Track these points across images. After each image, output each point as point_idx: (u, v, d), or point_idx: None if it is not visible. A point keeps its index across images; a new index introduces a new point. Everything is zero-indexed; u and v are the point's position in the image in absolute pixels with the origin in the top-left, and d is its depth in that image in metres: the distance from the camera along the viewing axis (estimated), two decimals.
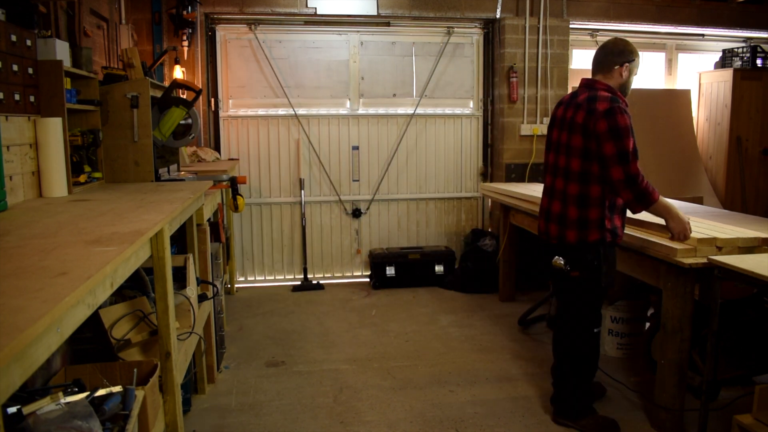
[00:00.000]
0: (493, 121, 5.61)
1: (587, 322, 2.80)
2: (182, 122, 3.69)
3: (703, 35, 6.18)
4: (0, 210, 2.26)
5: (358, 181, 5.58)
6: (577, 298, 2.80)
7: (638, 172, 2.52)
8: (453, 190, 5.76)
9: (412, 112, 5.55)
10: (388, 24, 5.40)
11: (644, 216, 3.05)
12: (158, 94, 3.65)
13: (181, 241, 3.11)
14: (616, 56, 2.72)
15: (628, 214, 2.82)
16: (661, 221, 2.68)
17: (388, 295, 5.15)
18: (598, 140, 2.56)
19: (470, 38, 5.60)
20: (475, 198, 5.81)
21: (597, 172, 2.61)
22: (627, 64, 2.72)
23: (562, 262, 2.74)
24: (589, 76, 2.88)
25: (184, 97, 4.11)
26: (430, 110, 5.63)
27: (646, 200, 2.55)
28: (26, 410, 1.52)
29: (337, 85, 5.45)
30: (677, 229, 2.58)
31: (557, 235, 2.77)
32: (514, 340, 4.03)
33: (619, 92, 2.73)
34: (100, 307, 2.06)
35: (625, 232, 2.86)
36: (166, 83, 4.47)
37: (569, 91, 5.58)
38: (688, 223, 2.59)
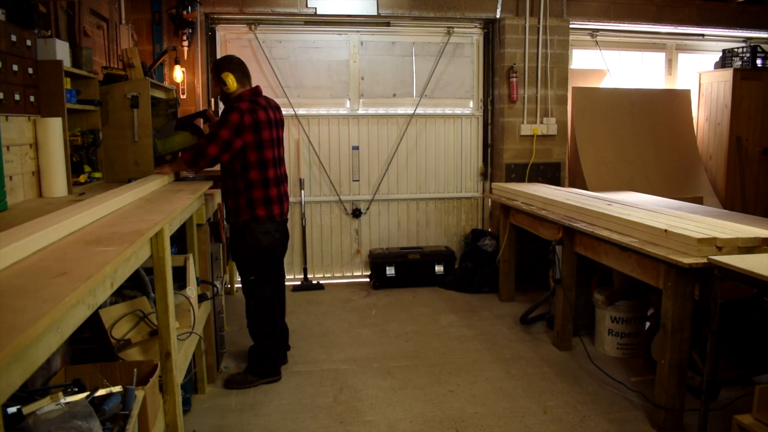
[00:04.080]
0: (493, 121, 5.61)
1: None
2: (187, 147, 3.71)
3: (703, 35, 6.18)
4: (0, 210, 2.26)
5: (358, 181, 5.58)
6: None
7: None
8: (453, 190, 5.76)
9: (412, 112, 5.55)
10: (388, 24, 5.39)
11: (643, 216, 3.05)
12: (158, 94, 3.65)
13: (181, 241, 3.11)
14: None
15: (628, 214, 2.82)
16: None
17: (388, 295, 5.15)
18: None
19: (470, 38, 5.60)
20: (475, 198, 5.81)
21: None
22: None
23: None
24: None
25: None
26: (430, 110, 5.63)
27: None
28: (26, 410, 1.52)
29: (337, 85, 5.45)
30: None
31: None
32: (515, 340, 4.03)
33: None
34: (100, 307, 2.06)
35: (623, 227, 2.85)
36: (167, 83, 4.48)
37: (569, 91, 5.58)
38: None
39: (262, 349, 3.39)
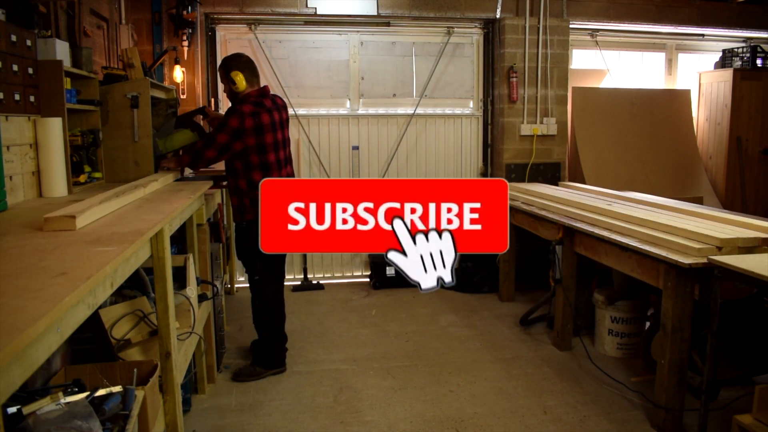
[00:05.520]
0: (493, 121, 5.61)
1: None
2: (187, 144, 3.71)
3: (703, 35, 6.18)
4: (0, 210, 2.26)
5: None
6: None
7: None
8: None
9: (412, 112, 5.55)
10: (388, 24, 5.39)
11: (645, 214, 3.04)
12: (158, 94, 3.65)
13: (181, 241, 3.11)
14: None
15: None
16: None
17: (388, 295, 5.15)
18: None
19: (470, 38, 5.60)
20: None
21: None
22: None
23: None
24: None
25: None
26: (430, 110, 5.62)
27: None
28: (26, 410, 1.52)
29: (337, 85, 5.45)
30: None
31: None
32: (515, 340, 4.03)
33: None
34: (100, 307, 2.06)
35: (623, 227, 2.85)
36: (167, 83, 4.48)
37: (569, 90, 5.58)
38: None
39: (268, 343, 3.48)
